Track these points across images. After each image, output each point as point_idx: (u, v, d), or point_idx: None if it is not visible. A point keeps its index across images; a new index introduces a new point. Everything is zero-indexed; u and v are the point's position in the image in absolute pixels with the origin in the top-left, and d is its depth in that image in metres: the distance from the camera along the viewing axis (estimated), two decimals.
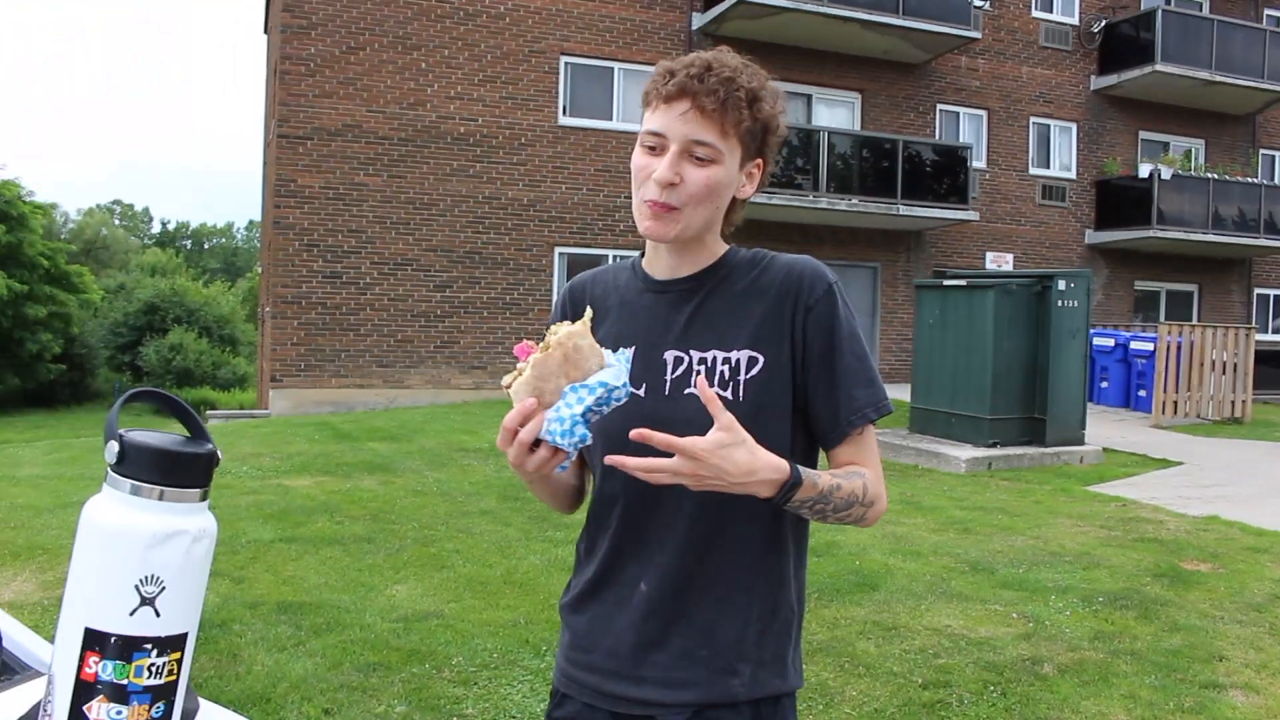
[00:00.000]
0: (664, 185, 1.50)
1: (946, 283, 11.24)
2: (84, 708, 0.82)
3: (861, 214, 17.89)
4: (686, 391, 1.55)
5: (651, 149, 1.53)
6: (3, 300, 18.00)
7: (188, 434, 0.91)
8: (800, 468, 1.43)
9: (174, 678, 0.86)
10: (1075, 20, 21.33)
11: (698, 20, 18.30)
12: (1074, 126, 21.40)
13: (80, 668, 0.81)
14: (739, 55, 1.56)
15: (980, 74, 20.43)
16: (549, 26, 17.60)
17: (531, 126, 17.54)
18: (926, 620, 5.11)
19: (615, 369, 1.39)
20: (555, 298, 15.11)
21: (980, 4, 19.52)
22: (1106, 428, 13.12)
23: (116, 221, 56.82)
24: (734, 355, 1.56)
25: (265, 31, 23.22)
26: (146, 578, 0.83)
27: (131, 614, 0.82)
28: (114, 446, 0.85)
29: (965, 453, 10.15)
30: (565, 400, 1.35)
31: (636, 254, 1.72)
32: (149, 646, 0.83)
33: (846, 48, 18.87)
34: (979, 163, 20.10)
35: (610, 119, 18.03)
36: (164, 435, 0.89)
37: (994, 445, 10.39)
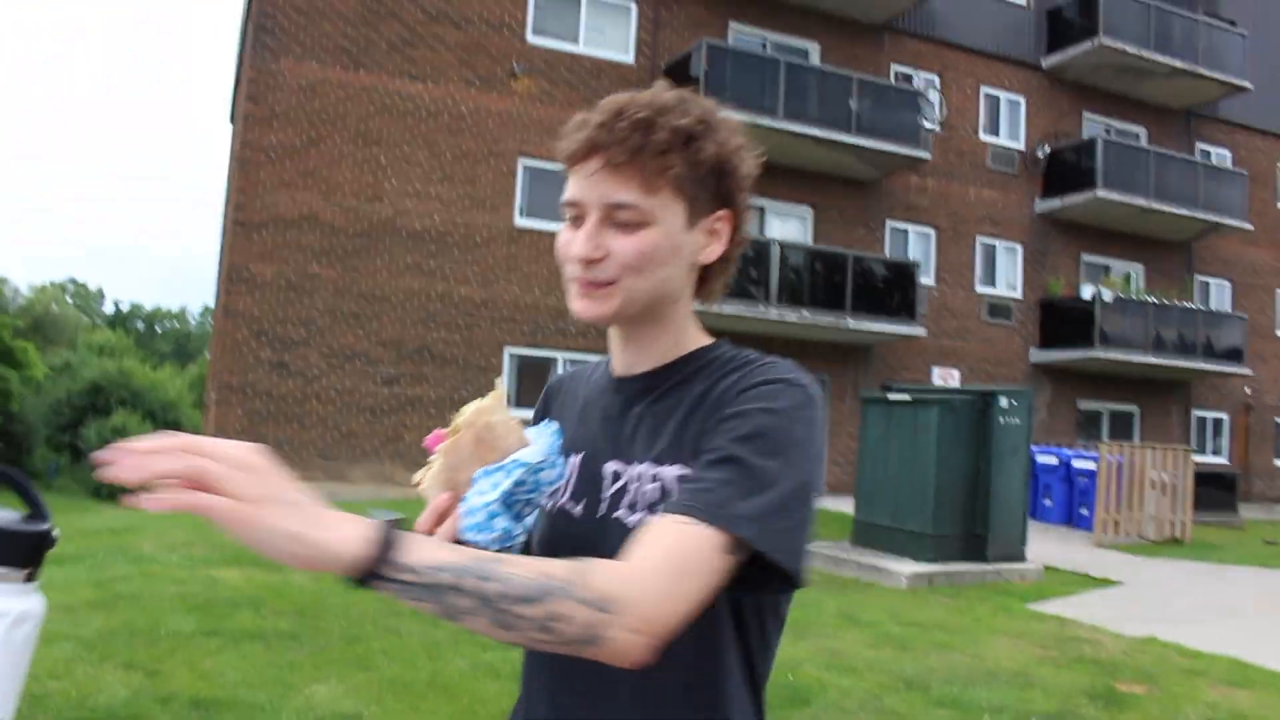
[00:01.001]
0: (585, 262, 1.23)
1: (891, 397, 11.35)
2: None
3: (812, 326, 18.12)
4: (615, 513, 1.25)
5: (575, 221, 1.26)
6: None
7: (26, 511, 0.87)
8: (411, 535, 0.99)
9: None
10: (1021, 145, 22.07)
11: None
12: (1019, 247, 21.95)
13: None
14: (681, 90, 1.30)
15: (929, 193, 20.98)
16: (509, 129, 17.87)
17: (487, 225, 17.68)
18: None
19: (538, 444, 1.22)
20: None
21: (930, 126, 20.15)
22: (1049, 545, 13.19)
23: (69, 299, 56.34)
24: (665, 471, 1.23)
25: (230, 119, 23.40)
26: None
27: None
28: None
29: (907, 568, 10.14)
30: (476, 488, 1.18)
31: None
32: None
33: (801, 162, 19.30)
34: (927, 279, 20.53)
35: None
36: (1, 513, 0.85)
37: (935, 561, 10.39)
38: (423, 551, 0.96)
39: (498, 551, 1.13)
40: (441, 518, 1.19)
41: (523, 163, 17.99)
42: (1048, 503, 16.53)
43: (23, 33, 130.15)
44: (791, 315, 17.72)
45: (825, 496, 18.04)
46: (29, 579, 0.85)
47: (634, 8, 18.89)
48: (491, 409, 1.21)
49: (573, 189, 1.25)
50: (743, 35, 19.63)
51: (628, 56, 18.81)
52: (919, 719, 5.41)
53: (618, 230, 1.22)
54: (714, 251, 1.31)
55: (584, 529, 1.28)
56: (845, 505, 12.31)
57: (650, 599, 1.02)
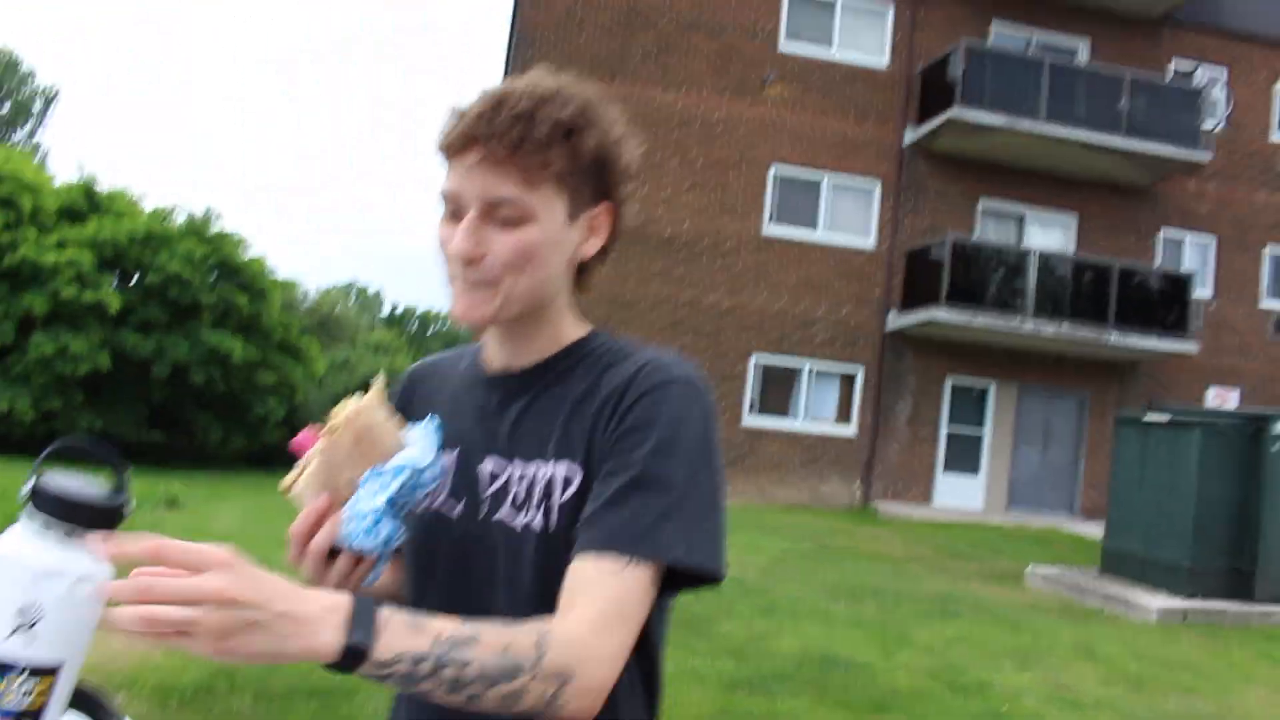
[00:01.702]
0: (465, 260, 1.19)
1: (1148, 418, 10.64)
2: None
3: (1070, 341, 17.20)
4: (497, 514, 1.23)
5: (453, 215, 1.20)
6: (238, 365, 19.26)
7: (114, 485, 0.96)
8: (382, 606, 0.97)
9: (41, 705, 0.90)
10: None
11: (910, 135, 18.23)
12: None
13: None
14: (561, 75, 1.25)
15: (1209, 198, 19.48)
16: (761, 136, 17.90)
17: (736, 233, 17.77)
18: None
19: (421, 443, 1.17)
20: (745, 402, 15.04)
21: (1212, 126, 18.71)
22: None
23: (352, 301, 60.53)
24: (549, 469, 1.21)
25: None
26: (28, 605, 0.89)
27: (7, 637, 0.88)
28: (28, 484, 0.92)
29: (1158, 601, 9.46)
30: (362, 491, 1.13)
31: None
32: (20, 668, 0.89)
33: (1064, 168, 18.39)
34: (1204, 291, 19.06)
35: (815, 228, 18.08)
36: (78, 481, 0.94)
37: (1192, 596, 9.65)
38: (395, 644, 0.96)
39: (381, 553, 1.15)
40: (319, 522, 1.14)
41: (774, 170, 17.96)
42: None
43: (294, 50, 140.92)
44: (1049, 328, 16.88)
45: (1077, 520, 17.09)
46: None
47: (890, 10, 18.51)
48: (371, 407, 1.15)
49: (451, 181, 1.20)
50: (1005, 34, 18.86)
51: (882, 61, 18.44)
52: None
53: (498, 226, 1.18)
54: (594, 246, 1.28)
55: (465, 531, 1.25)
56: (1098, 530, 11.63)
57: (599, 662, 1.05)
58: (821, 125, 18.13)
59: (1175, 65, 19.39)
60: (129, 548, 0.92)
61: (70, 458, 1.01)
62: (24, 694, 0.90)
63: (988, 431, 18.41)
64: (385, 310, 67.51)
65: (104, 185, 20.46)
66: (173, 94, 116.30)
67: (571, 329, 1.32)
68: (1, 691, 0.89)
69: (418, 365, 1.49)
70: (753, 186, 17.91)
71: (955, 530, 14.77)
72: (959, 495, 18.10)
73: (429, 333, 65.27)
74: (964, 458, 18.33)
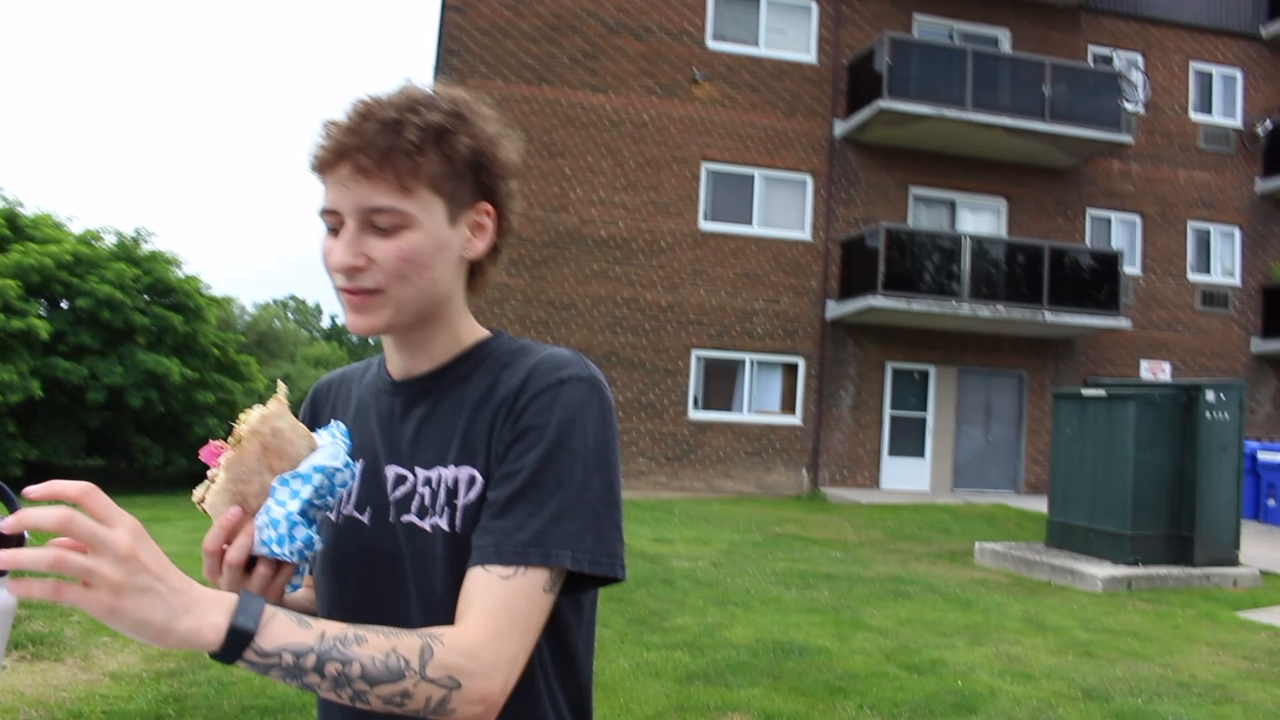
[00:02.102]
0: (347, 270, 1.18)
1: (1085, 393, 10.83)
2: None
3: (1006, 321, 17.48)
4: (404, 519, 1.23)
5: (333, 230, 1.20)
6: (176, 386, 18.96)
7: (6, 512, 0.95)
8: (269, 604, 0.99)
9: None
10: (1238, 122, 20.63)
11: (840, 127, 18.41)
12: (1236, 230, 20.55)
13: None
14: (431, 84, 1.25)
15: (1134, 178, 19.90)
16: (691, 134, 17.97)
17: (672, 230, 17.82)
18: None
19: (330, 447, 1.17)
20: (689, 397, 15.09)
21: (1133, 108, 19.11)
22: (1271, 549, 12.30)
23: (290, 315, 59.89)
24: (451, 473, 1.21)
25: None
26: None
27: None
28: None
29: (1103, 570, 9.64)
30: (275, 498, 1.12)
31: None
32: None
33: (992, 153, 18.69)
34: (1133, 268, 19.49)
35: (750, 224, 18.18)
36: None
37: (1135, 563, 9.84)
38: (280, 635, 0.97)
39: (299, 561, 1.15)
40: (231, 534, 1.13)
41: (706, 167, 18.06)
42: (1271, 503, 15.42)
43: (224, 61, 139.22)
44: (985, 310, 17.14)
45: (1022, 495, 17.38)
46: None
47: (814, 6, 18.68)
48: (277, 414, 1.14)
49: (328, 197, 1.19)
50: (928, 26, 19.14)
51: (809, 56, 18.60)
52: None
53: (378, 236, 1.18)
54: (479, 246, 1.27)
55: (375, 537, 1.26)
56: (1043, 505, 11.83)
57: (490, 667, 1.06)
58: (751, 121, 18.25)
59: (1094, 51, 19.80)
60: (40, 519, 0.90)
61: None
62: None
63: (930, 414, 18.65)
64: (325, 322, 66.83)
65: (28, 208, 20.06)
66: (96, 110, 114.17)
67: (470, 332, 1.31)
68: None
69: (321, 381, 1.48)
70: (686, 184, 17.98)
71: (904, 512, 14.94)
72: (906, 478, 18.32)
73: (370, 343, 64.76)
74: (908, 441, 18.55)
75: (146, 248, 20.33)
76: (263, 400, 1.14)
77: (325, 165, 1.18)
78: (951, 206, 19.12)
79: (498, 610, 1.09)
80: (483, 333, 1.32)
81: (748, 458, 17.86)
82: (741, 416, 18.03)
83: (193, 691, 5.14)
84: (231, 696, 5.08)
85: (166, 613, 0.93)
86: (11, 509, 0.97)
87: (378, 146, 1.15)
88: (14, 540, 0.93)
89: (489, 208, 1.26)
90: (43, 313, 18.57)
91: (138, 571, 0.92)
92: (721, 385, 18.11)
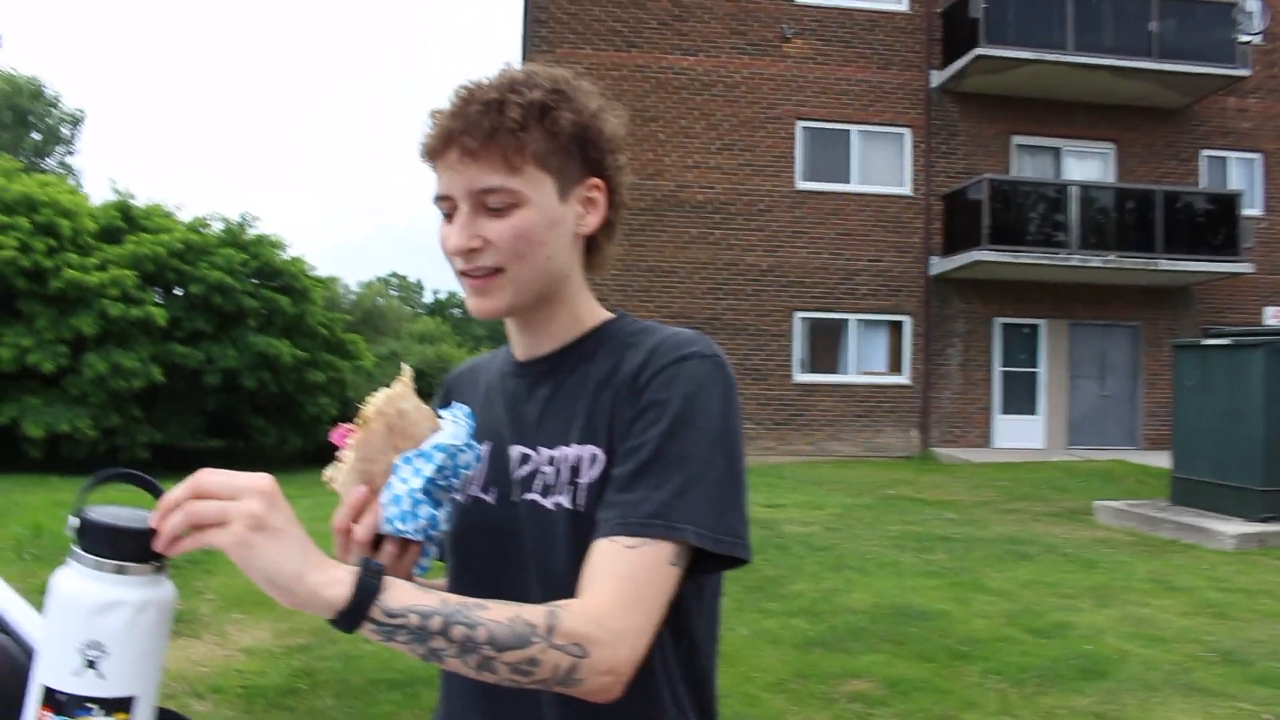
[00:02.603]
0: (464, 253, 1.21)
1: (1206, 342, 10.44)
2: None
3: (1118, 270, 16.92)
4: (527, 497, 1.24)
5: (448, 216, 1.23)
6: (287, 367, 19.43)
7: (153, 501, 0.96)
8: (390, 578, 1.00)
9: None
10: None
11: (936, 78, 17.97)
12: None
13: None
14: (532, 64, 1.27)
15: (1252, 114, 19.03)
16: (785, 92, 17.72)
17: (769, 192, 17.64)
18: (1158, 715, 4.67)
19: (452, 427, 1.18)
20: (793, 360, 14.97)
21: (1249, 39, 18.23)
22: None
23: (393, 292, 60.96)
24: (574, 452, 1.22)
25: None
26: (90, 643, 0.89)
27: (76, 675, 0.88)
28: (73, 522, 0.92)
29: (1234, 528, 9.30)
30: (398, 475, 1.14)
31: None
32: (91, 705, 0.89)
33: (1097, 96, 18.03)
34: (1254, 210, 18.65)
35: (848, 181, 17.90)
36: (122, 512, 0.94)
37: (1268, 520, 9.48)
38: (405, 597, 0.98)
39: (424, 540, 1.15)
40: (358, 512, 1.15)
41: (801, 125, 17.80)
42: None
43: (313, 50, 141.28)
44: (1095, 260, 16.62)
45: (1141, 451, 16.88)
46: (156, 571, 0.93)
47: None
48: (402, 395, 1.16)
49: (440, 183, 1.22)
50: None
51: (901, 4, 18.16)
52: (1233, 697, 4.95)
53: (491, 216, 1.20)
54: (593, 221, 1.27)
55: (499, 516, 1.27)
56: (1163, 460, 11.46)
57: (617, 636, 1.05)
58: (845, 76, 17.91)
59: None
60: (174, 494, 0.94)
61: (117, 482, 1.00)
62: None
63: (1042, 369, 18.20)
64: (428, 298, 67.88)
65: (140, 199, 20.69)
66: (198, 98, 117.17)
67: (591, 312, 1.32)
68: None
69: (453, 372, 1.51)
70: (781, 144, 17.75)
71: (1018, 471, 14.61)
72: (1019, 435, 17.92)
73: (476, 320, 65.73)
74: (1020, 397, 18.13)
75: (252, 232, 20.83)
76: (373, 378, 1.13)
77: (434, 152, 1.21)
78: (1056, 154, 18.54)
79: (625, 579, 1.08)
80: (606, 314, 1.33)
81: (856, 419, 17.67)
82: (848, 378, 17.82)
83: (322, 665, 5.27)
84: (360, 670, 5.19)
85: (298, 562, 0.95)
86: (157, 496, 0.97)
87: (482, 128, 1.17)
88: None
89: (598, 182, 1.27)
90: (159, 300, 19.17)
91: (275, 509, 0.95)
92: (826, 347, 17.92)
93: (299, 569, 0.94)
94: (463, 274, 1.23)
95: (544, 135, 1.19)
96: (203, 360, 18.71)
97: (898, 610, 6.52)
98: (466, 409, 1.23)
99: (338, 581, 0.96)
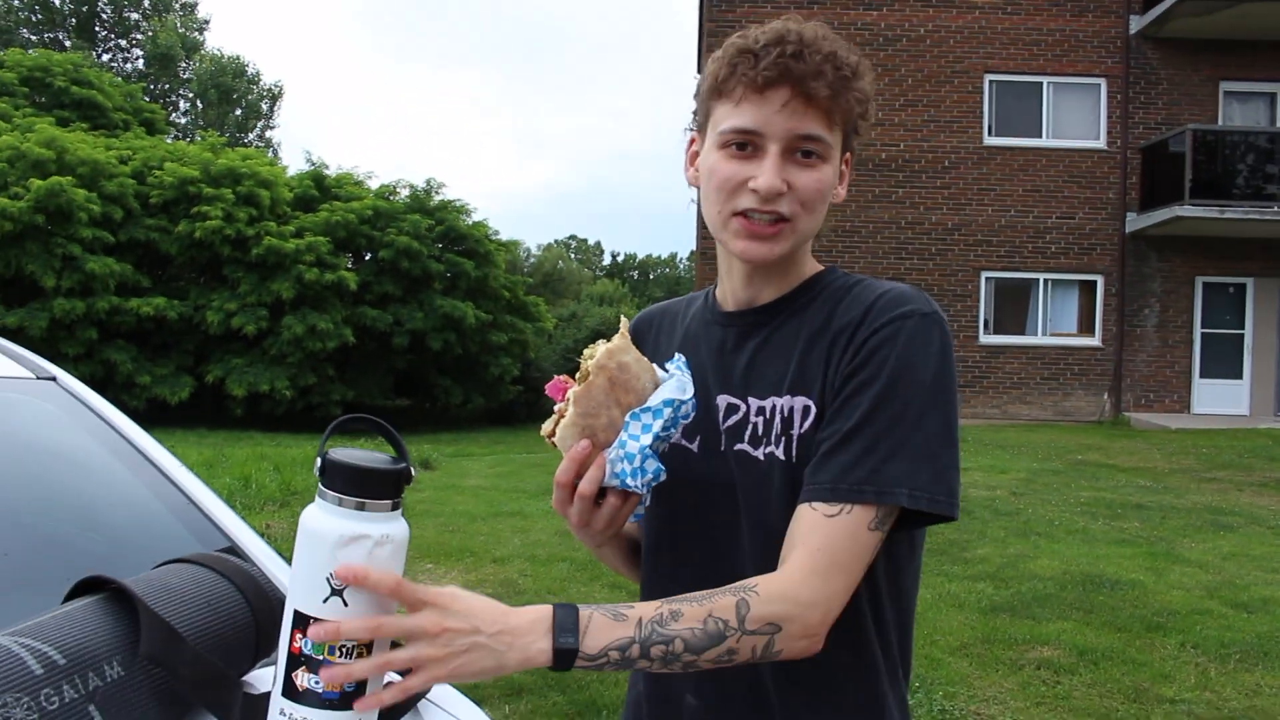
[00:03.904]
0: (772, 195, 1.19)
1: None
2: (292, 675, 0.98)
3: None
4: (737, 447, 1.25)
5: (742, 150, 1.20)
6: (471, 328, 20.05)
7: (393, 454, 1.04)
8: (580, 606, 1.04)
9: (363, 658, 0.99)
10: None
11: (1136, 23, 17.03)
12: None
13: (290, 642, 0.98)
14: (805, 23, 1.22)
15: None
16: (972, 45, 17.14)
17: (955, 149, 17.14)
18: None
19: (676, 380, 1.17)
20: (979, 321, 14.57)
21: None
22: None
23: (572, 255, 61.97)
24: (786, 403, 1.22)
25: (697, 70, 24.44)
26: (336, 573, 0.97)
27: (324, 601, 0.97)
28: (318, 463, 1.00)
29: None
30: (629, 432, 1.14)
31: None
32: None
33: None
34: None
35: (1040, 136, 17.21)
36: (361, 453, 1.02)
37: None
38: (601, 638, 1.03)
39: (647, 492, 1.17)
40: (582, 467, 1.15)
41: (989, 79, 17.20)
42: None
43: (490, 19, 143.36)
44: None
45: None
46: (393, 508, 1.01)
47: None
48: (623, 349, 1.16)
49: (751, 117, 1.19)
50: None
51: None
52: None
53: (798, 165, 1.20)
54: (841, 194, 1.29)
55: (706, 466, 1.27)
56: None
57: (809, 606, 1.09)
58: (1036, 25, 17.17)
59: None
60: (353, 630, 0.98)
61: (348, 432, 1.07)
62: (345, 652, 0.97)
63: (1249, 331, 17.15)
64: (606, 260, 68.71)
65: (331, 169, 21.63)
66: (387, 69, 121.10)
67: (808, 265, 1.33)
68: (329, 650, 0.97)
69: (641, 314, 1.51)
70: (968, 98, 17.19)
71: (1220, 438, 13.85)
72: (1220, 401, 16.97)
73: (651, 277, 66.15)
74: (1224, 361, 17.14)
75: (438, 198, 21.49)
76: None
77: (762, 86, 1.18)
78: (1271, 100, 17.33)
79: (818, 549, 1.11)
80: (817, 266, 1.34)
81: (1044, 382, 17.07)
82: (1036, 339, 17.22)
83: None
84: None
85: (494, 658, 1.00)
86: (400, 452, 1.05)
87: (827, 77, 1.17)
88: (398, 479, 1.02)
89: (848, 157, 1.29)
90: (350, 265, 20.04)
91: (453, 640, 0.99)
92: (1014, 307, 17.35)
93: (497, 663, 1.00)
94: (754, 211, 1.21)
95: (853, 101, 1.21)
96: (391, 322, 19.50)
97: (1088, 578, 6.31)
98: (684, 359, 1.23)
99: (538, 652, 1.01)
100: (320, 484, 0.99)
